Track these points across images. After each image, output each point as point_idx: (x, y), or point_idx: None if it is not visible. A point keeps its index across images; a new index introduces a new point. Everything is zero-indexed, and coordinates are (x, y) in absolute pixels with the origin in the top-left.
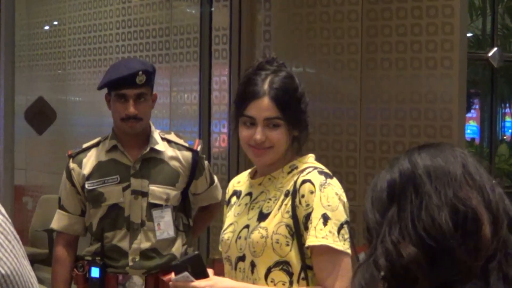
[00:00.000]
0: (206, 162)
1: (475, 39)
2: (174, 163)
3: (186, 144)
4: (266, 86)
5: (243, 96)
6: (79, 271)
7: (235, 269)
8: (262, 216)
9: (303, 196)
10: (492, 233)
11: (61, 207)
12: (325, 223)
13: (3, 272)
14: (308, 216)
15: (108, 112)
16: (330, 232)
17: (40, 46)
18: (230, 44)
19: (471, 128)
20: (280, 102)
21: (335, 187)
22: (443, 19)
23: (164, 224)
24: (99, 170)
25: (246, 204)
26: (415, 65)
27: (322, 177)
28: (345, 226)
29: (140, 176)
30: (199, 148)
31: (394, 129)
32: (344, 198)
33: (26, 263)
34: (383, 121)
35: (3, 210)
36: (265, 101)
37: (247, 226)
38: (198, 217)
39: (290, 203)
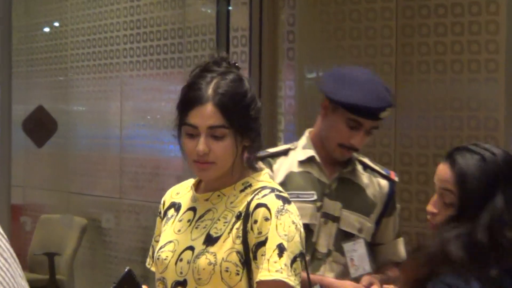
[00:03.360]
0: (397, 205)
1: None
2: (370, 191)
3: (383, 172)
4: (210, 91)
5: (185, 101)
6: None
7: None
8: (210, 240)
9: (255, 221)
10: None
11: None
12: (280, 255)
13: None
14: (259, 245)
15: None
16: (285, 265)
17: (39, 50)
18: (250, 46)
19: None
20: (226, 108)
21: (292, 214)
22: (487, 16)
23: (358, 258)
24: (291, 181)
25: (189, 221)
26: (456, 69)
27: (280, 202)
28: (299, 259)
29: (335, 198)
30: (396, 179)
31: (433, 140)
32: (301, 228)
33: (24, 284)
34: (420, 132)
35: None
36: (209, 107)
37: (191, 248)
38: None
39: (241, 227)
